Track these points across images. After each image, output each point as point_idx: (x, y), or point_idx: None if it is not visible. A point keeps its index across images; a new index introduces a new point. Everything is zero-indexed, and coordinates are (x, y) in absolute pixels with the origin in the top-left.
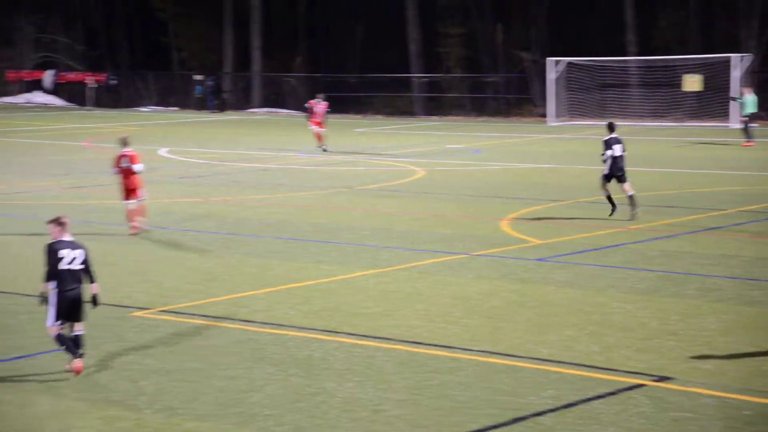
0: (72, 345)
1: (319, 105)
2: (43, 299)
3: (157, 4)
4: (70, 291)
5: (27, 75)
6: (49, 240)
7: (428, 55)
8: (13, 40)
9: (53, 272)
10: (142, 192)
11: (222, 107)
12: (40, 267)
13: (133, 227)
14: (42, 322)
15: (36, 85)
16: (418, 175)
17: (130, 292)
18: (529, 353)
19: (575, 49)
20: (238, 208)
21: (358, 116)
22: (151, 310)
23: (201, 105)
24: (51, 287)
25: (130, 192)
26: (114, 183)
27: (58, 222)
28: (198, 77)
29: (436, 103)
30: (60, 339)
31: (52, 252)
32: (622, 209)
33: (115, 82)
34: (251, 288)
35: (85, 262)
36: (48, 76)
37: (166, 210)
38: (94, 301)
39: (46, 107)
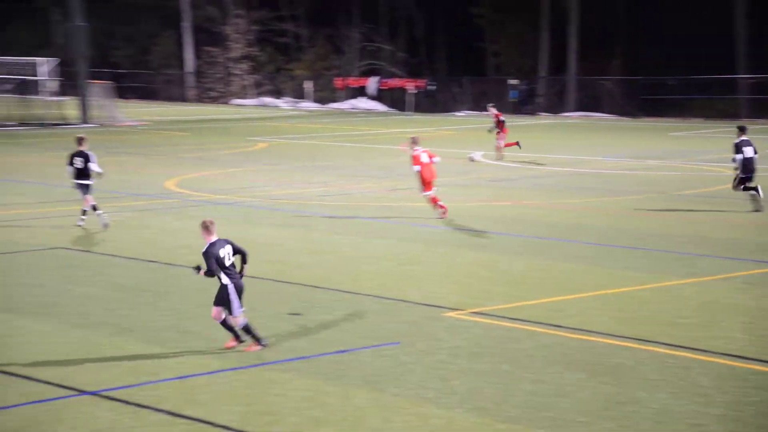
0: (250, 331)
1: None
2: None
3: (476, 11)
4: (239, 282)
5: (353, 82)
6: (206, 245)
7: (756, 54)
8: (342, 49)
9: (222, 270)
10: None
11: (535, 111)
12: (360, 266)
13: (442, 207)
14: (365, 320)
15: (361, 92)
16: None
17: (441, 293)
18: None
19: None
20: (548, 211)
21: (676, 119)
22: (462, 311)
23: (515, 109)
24: (228, 283)
25: (427, 184)
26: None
27: (204, 226)
28: (513, 82)
29: (764, 105)
30: (248, 328)
31: (212, 254)
32: None
33: (433, 87)
34: (561, 293)
35: (237, 251)
36: (372, 83)
37: (477, 213)
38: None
39: (369, 112)
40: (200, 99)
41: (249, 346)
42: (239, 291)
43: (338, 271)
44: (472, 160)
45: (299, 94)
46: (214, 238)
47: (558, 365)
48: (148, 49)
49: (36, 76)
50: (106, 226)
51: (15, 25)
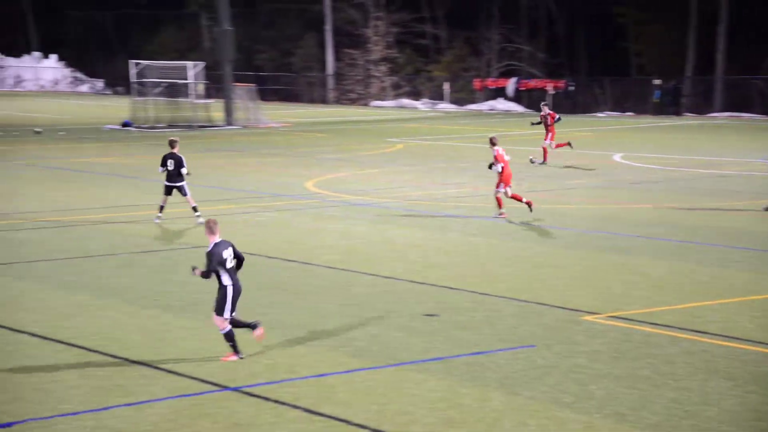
0: (245, 324)
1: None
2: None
3: (618, 10)
4: (238, 284)
5: (491, 83)
6: (210, 246)
7: None
8: (480, 50)
9: (224, 271)
10: (501, 184)
11: (679, 112)
12: (495, 268)
13: (502, 212)
14: (500, 322)
15: (499, 93)
16: None
17: (578, 296)
18: None
19: None
20: (691, 215)
21: None
22: (600, 315)
23: (658, 110)
24: (228, 284)
25: (506, 182)
26: (560, 188)
27: (208, 226)
28: (657, 82)
29: None
30: (230, 335)
31: (217, 255)
32: None
33: (572, 88)
34: (704, 298)
35: (236, 255)
36: (511, 84)
37: (615, 215)
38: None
39: (507, 113)
40: (340, 101)
41: (226, 355)
42: (237, 294)
43: (473, 273)
44: (532, 161)
45: (437, 96)
46: (217, 239)
47: (701, 372)
48: (290, 52)
49: (185, 79)
50: (157, 220)
51: (167, 30)
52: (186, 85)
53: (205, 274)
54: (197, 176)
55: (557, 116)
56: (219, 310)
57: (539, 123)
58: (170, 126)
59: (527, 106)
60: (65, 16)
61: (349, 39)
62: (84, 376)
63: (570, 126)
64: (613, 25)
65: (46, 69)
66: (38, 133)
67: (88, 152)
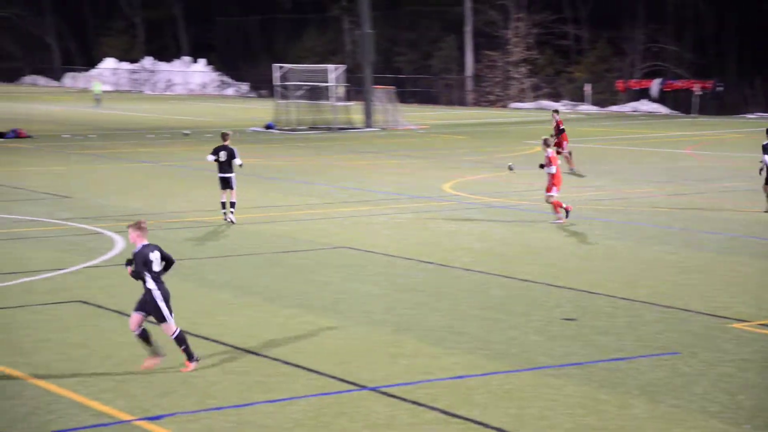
0: (183, 343)
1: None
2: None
3: None
4: (164, 287)
5: (634, 84)
6: (136, 247)
7: None
8: (624, 50)
9: (150, 275)
10: (553, 188)
11: None
12: (636, 272)
13: (564, 209)
14: (642, 327)
15: (642, 94)
16: None
17: (727, 303)
18: None
19: None
20: None
21: None
22: (750, 323)
23: None
24: (153, 288)
25: (557, 186)
26: (711, 191)
27: (137, 227)
28: None
29: None
30: (181, 338)
31: (142, 256)
32: None
33: (721, 88)
34: None
35: (164, 258)
36: (655, 85)
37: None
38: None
39: (651, 115)
40: (478, 103)
41: (185, 366)
42: (166, 297)
43: (613, 277)
44: (511, 169)
45: (578, 97)
46: (145, 241)
47: None
48: (429, 54)
49: (326, 82)
50: (231, 222)
51: (309, 34)
52: (327, 87)
53: (135, 275)
54: (337, 178)
55: (562, 126)
56: (142, 309)
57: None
58: (311, 128)
59: (672, 108)
60: (214, 22)
61: (488, 41)
62: (227, 372)
63: (716, 127)
64: (765, 23)
65: (194, 73)
66: (186, 135)
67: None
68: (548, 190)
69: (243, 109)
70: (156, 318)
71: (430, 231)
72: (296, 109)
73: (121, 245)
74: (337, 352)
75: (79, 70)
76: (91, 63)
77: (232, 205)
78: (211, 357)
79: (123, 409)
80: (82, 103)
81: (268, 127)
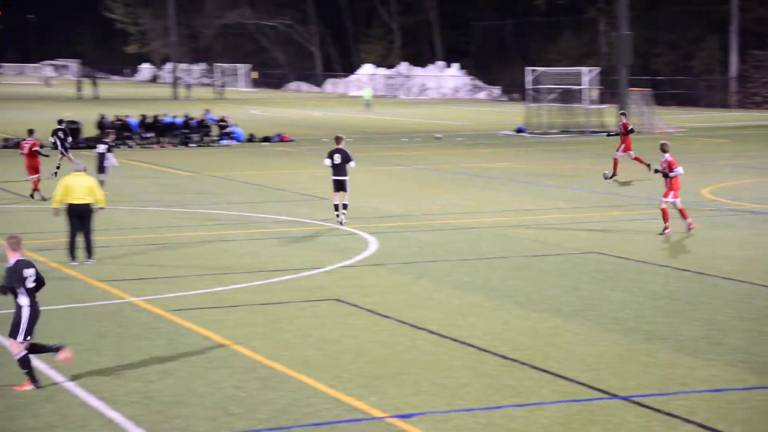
0: (47, 348)
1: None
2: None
3: None
4: (36, 306)
5: None
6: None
7: None
8: None
9: (24, 291)
10: (670, 194)
11: None
12: None
13: (689, 224)
14: None
15: None
16: None
17: None
18: None
19: None
20: None
21: None
22: None
23: None
24: (24, 305)
25: (675, 191)
26: None
27: (11, 242)
28: None
29: None
30: (27, 361)
31: (17, 272)
32: None
33: None
34: None
35: (37, 278)
36: None
37: None
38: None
39: None
40: (743, 105)
41: (23, 384)
42: (34, 317)
43: None
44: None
45: None
46: (19, 256)
47: None
48: (690, 54)
49: (579, 85)
50: (341, 224)
51: (564, 37)
52: (580, 90)
53: (2, 290)
54: (588, 182)
55: (630, 127)
56: (14, 333)
57: (616, 134)
58: (562, 131)
59: None
60: (469, 27)
61: (757, 39)
62: (476, 374)
63: None
64: None
65: (448, 78)
66: (438, 139)
67: (483, 157)
68: (665, 195)
69: (494, 112)
70: (10, 331)
71: (687, 237)
72: (548, 113)
73: (374, 246)
74: (585, 358)
75: (339, 76)
76: (350, 69)
77: (345, 207)
78: (462, 359)
79: (375, 406)
80: (341, 108)
81: (519, 130)
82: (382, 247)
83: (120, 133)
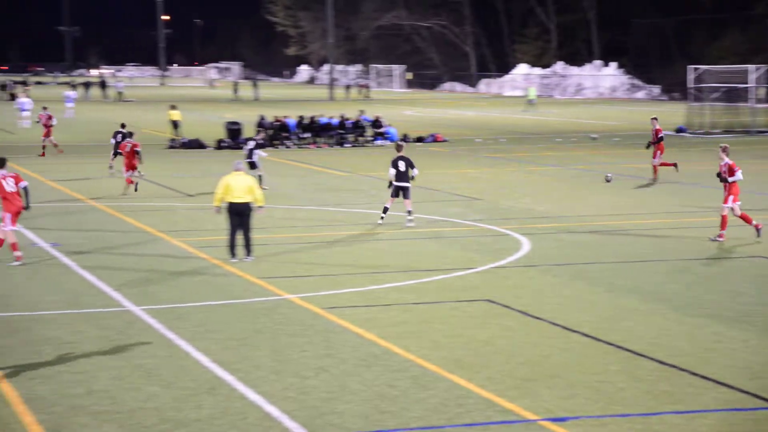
0: None
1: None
2: None
3: None
4: None
5: None
6: None
7: None
8: None
9: None
10: (729, 199)
11: None
12: None
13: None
14: None
15: None
16: None
17: None
18: None
19: None
20: None
21: None
22: None
23: None
24: None
25: (735, 195)
26: None
27: None
28: None
29: None
30: None
31: None
32: None
33: None
34: None
35: None
36: None
37: None
38: None
39: None
40: None
41: None
42: None
43: None
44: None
45: None
46: None
47: None
48: None
49: (745, 83)
50: (411, 227)
51: (730, 33)
52: (746, 89)
53: None
54: (753, 183)
55: (661, 134)
56: None
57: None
58: (726, 131)
59: None
60: (629, 25)
61: None
62: (632, 379)
63: None
64: None
65: (605, 77)
66: (594, 139)
67: (640, 157)
68: (725, 201)
69: (653, 112)
70: None
71: None
72: (710, 112)
73: (527, 247)
74: (749, 366)
75: (493, 77)
76: (504, 69)
77: (409, 213)
78: (617, 363)
79: (528, 408)
80: (494, 108)
81: (680, 130)
82: (534, 248)
83: (278, 133)
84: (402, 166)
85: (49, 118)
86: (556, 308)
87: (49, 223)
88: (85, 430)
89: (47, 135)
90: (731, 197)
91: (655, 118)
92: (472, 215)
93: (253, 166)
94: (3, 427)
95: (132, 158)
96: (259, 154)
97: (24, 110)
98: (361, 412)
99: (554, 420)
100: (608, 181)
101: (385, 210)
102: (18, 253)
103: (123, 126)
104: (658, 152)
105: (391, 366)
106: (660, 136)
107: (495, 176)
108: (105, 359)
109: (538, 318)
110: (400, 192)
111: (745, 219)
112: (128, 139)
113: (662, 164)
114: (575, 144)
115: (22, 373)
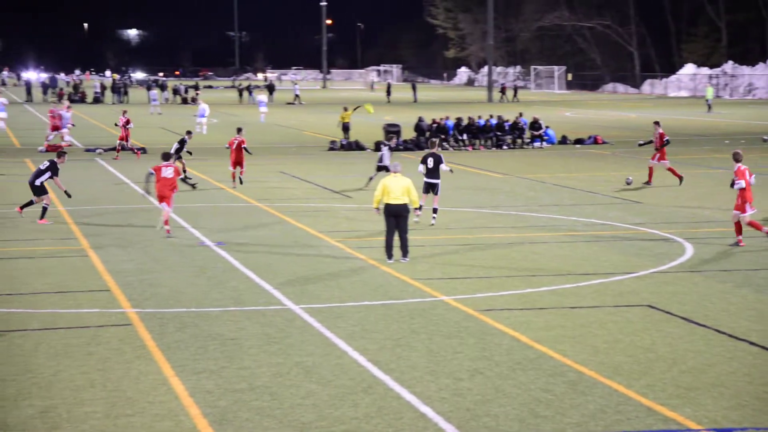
0: None
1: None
2: None
3: None
4: None
5: None
6: None
7: None
8: None
9: None
10: (742, 206)
11: None
12: None
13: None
14: None
15: None
16: None
17: None
18: None
19: None
20: None
21: None
22: None
23: None
24: None
25: (749, 203)
26: None
27: None
28: None
29: None
30: None
31: None
32: None
33: None
34: None
35: None
36: None
37: None
38: None
39: None
40: None
41: None
42: None
43: None
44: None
45: None
46: None
47: None
48: None
49: None
50: (432, 224)
51: None
52: None
53: None
54: None
55: (666, 138)
56: None
57: (649, 143)
58: None
59: None
60: None
61: None
62: None
63: None
64: None
65: None
66: (765, 141)
67: None
68: (737, 208)
69: None
70: None
71: None
72: None
73: (690, 252)
74: None
75: (658, 77)
76: (670, 69)
77: (435, 210)
78: None
79: (691, 418)
80: (657, 110)
81: None
82: (698, 253)
83: (436, 135)
84: (431, 162)
85: (128, 122)
86: (721, 315)
87: (215, 223)
88: (248, 425)
89: (124, 138)
90: (746, 204)
91: (657, 122)
92: (632, 218)
93: (386, 169)
94: (171, 418)
95: (239, 154)
96: (386, 156)
97: (201, 116)
98: (516, 416)
99: (719, 431)
100: (628, 184)
101: (420, 207)
102: (168, 227)
103: (188, 133)
104: (658, 154)
105: (546, 370)
106: (666, 140)
107: (657, 179)
108: (266, 356)
109: (702, 325)
110: (430, 189)
111: (755, 226)
112: (236, 136)
113: (669, 169)
114: (744, 146)
115: (190, 366)
